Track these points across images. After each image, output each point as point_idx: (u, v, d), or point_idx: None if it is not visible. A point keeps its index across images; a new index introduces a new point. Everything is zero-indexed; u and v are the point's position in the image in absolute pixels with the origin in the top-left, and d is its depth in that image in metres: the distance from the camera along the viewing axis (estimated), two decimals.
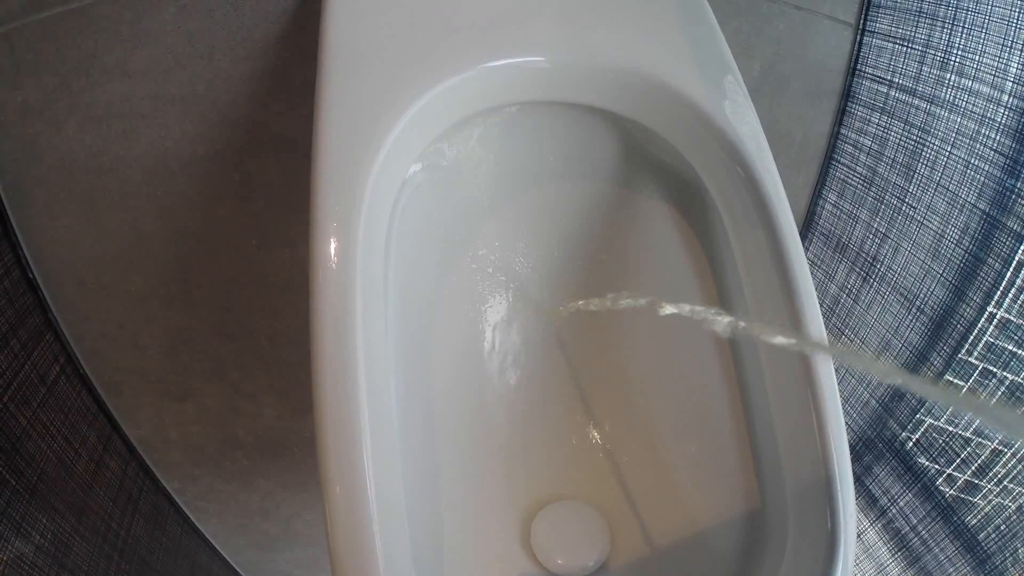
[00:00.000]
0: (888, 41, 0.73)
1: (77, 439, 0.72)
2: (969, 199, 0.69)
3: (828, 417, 0.50)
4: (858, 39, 0.74)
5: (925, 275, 0.74)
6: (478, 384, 0.63)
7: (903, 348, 0.77)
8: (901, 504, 0.80)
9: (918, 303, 0.75)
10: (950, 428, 0.74)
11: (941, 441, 0.75)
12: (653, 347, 0.64)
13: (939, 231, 0.72)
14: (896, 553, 0.82)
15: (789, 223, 0.55)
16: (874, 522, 0.84)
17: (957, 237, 0.71)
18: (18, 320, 0.66)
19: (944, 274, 0.72)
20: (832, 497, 0.49)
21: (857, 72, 0.76)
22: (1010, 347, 0.68)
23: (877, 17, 0.73)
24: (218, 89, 0.62)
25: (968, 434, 0.72)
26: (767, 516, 0.55)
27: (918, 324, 0.75)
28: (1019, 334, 0.66)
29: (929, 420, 0.75)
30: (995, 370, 0.70)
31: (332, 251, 0.44)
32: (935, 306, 0.73)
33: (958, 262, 0.71)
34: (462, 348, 0.62)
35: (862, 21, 0.73)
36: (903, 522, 0.81)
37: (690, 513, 0.60)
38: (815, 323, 0.52)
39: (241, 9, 0.59)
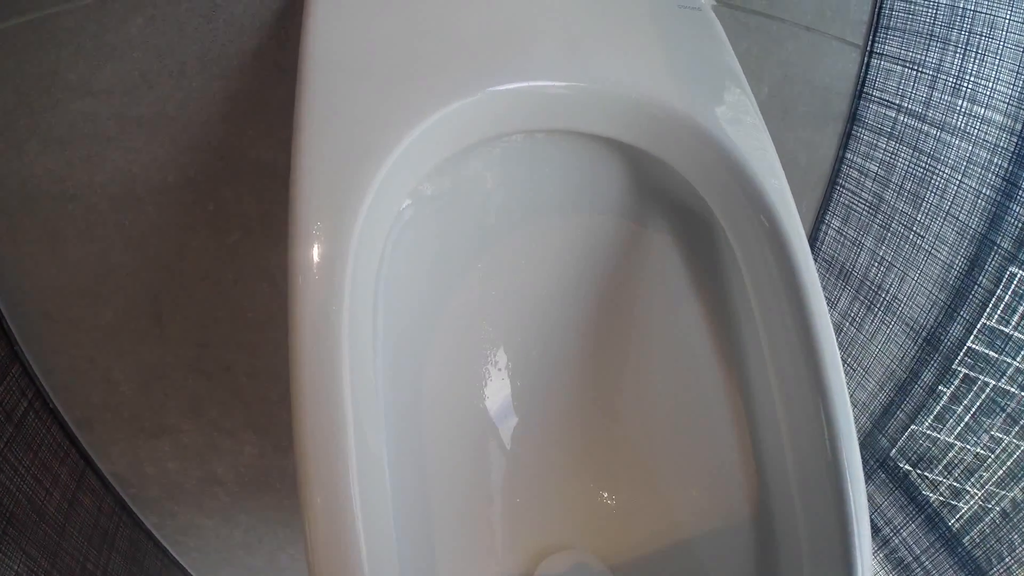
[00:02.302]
0: (897, 64, 0.65)
1: (48, 477, 0.63)
2: (980, 229, 0.62)
3: (846, 477, 0.43)
4: (865, 61, 0.67)
5: (932, 306, 0.67)
6: (477, 430, 0.55)
7: (908, 379, 0.70)
8: (904, 534, 0.73)
9: (924, 334, 0.68)
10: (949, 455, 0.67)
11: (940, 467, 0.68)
12: (656, 391, 0.57)
13: (948, 261, 0.65)
14: None
15: (808, 262, 0.48)
16: (876, 551, 0.76)
17: (967, 268, 0.64)
18: None
19: (952, 305, 0.65)
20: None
21: (864, 95, 0.68)
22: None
23: (886, 39, 0.65)
24: (190, 110, 0.52)
25: (970, 458, 0.66)
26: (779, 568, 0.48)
27: (924, 355, 0.68)
28: None
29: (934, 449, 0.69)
30: (1004, 402, 0.63)
31: (315, 307, 0.36)
32: (943, 337, 0.66)
33: (967, 293, 0.64)
34: (459, 393, 0.54)
35: (870, 43, 0.66)
36: (906, 552, 0.74)
37: (696, 562, 0.53)
38: (834, 367, 0.45)
39: (214, 23, 0.50)
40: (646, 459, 0.57)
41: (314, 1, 0.45)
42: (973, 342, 0.64)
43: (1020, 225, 0.59)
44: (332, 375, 0.35)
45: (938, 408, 0.68)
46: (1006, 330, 0.61)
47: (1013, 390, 0.62)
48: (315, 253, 0.37)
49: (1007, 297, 0.61)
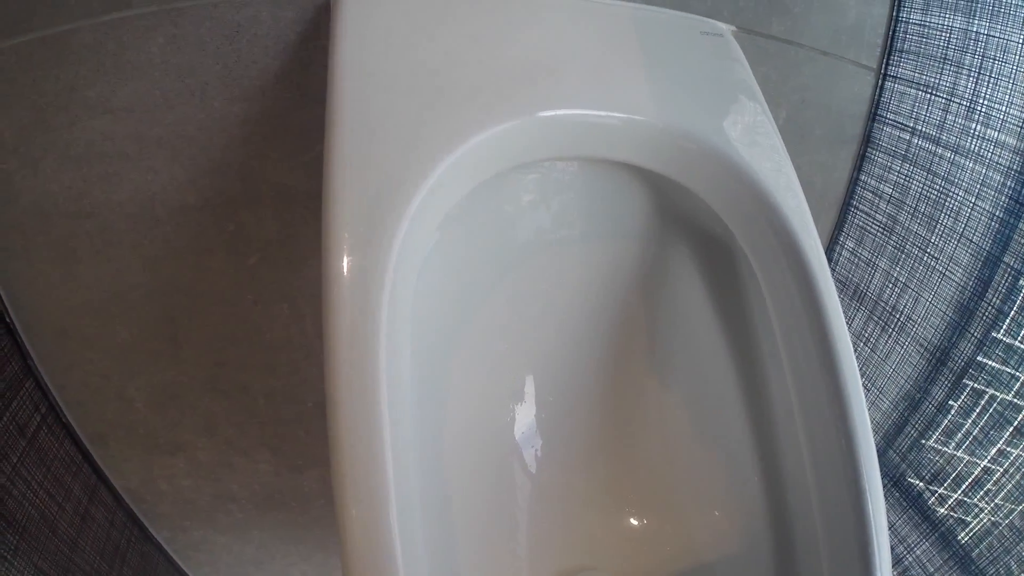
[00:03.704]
0: (911, 87, 0.64)
1: (61, 492, 0.61)
2: (994, 252, 0.61)
3: (868, 501, 0.42)
4: (880, 84, 0.66)
5: (946, 326, 0.65)
6: (501, 451, 0.53)
7: (921, 398, 0.68)
8: (918, 552, 0.71)
9: (939, 354, 0.66)
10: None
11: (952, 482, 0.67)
12: (677, 414, 0.55)
13: (962, 283, 0.64)
14: None
15: (829, 287, 0.47)
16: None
17: (980, 289, 0.62)
18: None
19: (964, 325, 0.63)
20: None
21: (878, 118, 0.67)
22: None
23: (900, 62, 0.64)
24: (211, 131, 0.50)
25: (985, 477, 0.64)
26: None
27: (940, 377, 0.66)
28: None
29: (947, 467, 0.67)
30: (1011, 415, 0.61)
31: (352, 324, 0.34)
32: (958, 359, 0.65)
33: (981, 315, 0.62)
34: (482, 413, 0.52)
35: (884, 66, 0.65)
36: (920, 570, 0.72)
37: None
38: (855, 391, 0.44)
39: (237, 43, 0.48)
40: (668, 481, 0.55)
41: (341, 27, 0.43)
42: (984, 357, 0.62)
43: None
44: (370, 390, 0.34)
45: (946, 423, 0.67)
46: (1014, 343, 0.59)
47: (1021, 403, 0.61)
48: (352, 267, 0.35)
49: (1011, 311, 0.59)
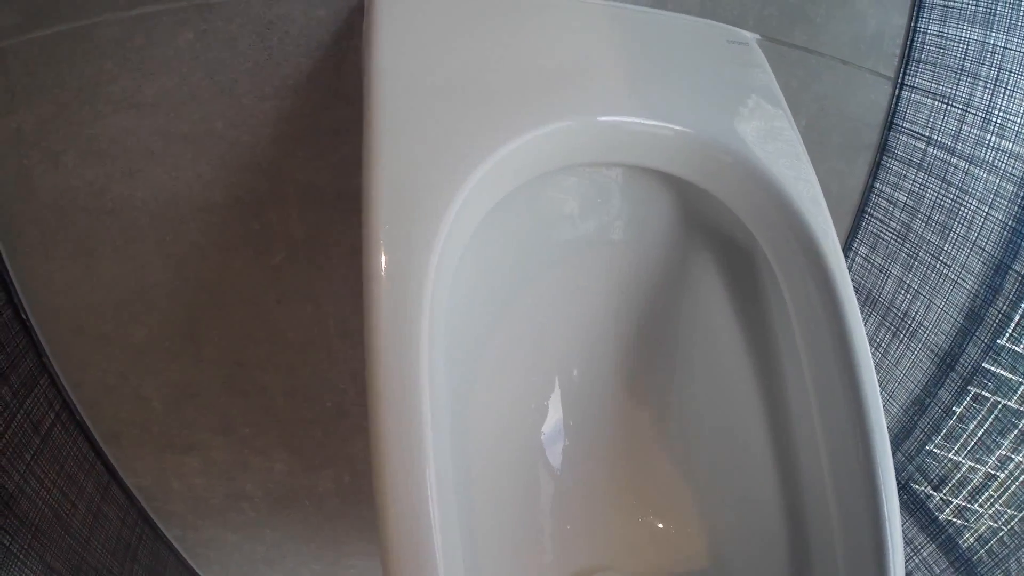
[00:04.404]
0: (927, 97, 0.64)
1: (74, 490, 0.59)
2: (1006, 261, 0.61)
3: (883, 504, 0.42)
4: (896, 93, 0.66)
5: (957, 333, 0.66)
6: (526, 452, 0.52)
7: (931, 404, 0.68)
8: (924, 554, 0.72)
9: (950, 360, 0.66)
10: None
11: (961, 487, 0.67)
12: (699, 417, 0.55)
13: (973, 291, 0.64)
14: None
15: (849, 293, 0.47)
16: None
17: (991, 297, 0.62)
18: (9, 364, 0.53)
19: (977, 334, 0.64)
20: None
21: (894, 126, 0.67)
22: None
23: (917, 72, 0.64)
24: (239, 129, 0.49)
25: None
26: None
27: (949, 382, 0.67)
28: None
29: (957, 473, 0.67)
30: (1015, 421, 0.62)
31: (393, 321, 0.34)
32: (967, 364, 0.65)
33: (991, 323, 0.62)
34: (508, 414, 0.51)
35: (901, 75, 0.65)
36: (926, 572, 0.72)
37: None
38: (872, 395, 0.44)
39: (268, 40, 0.47)
40: (687, 482, 0.55)
41: (377, 28, 0.42)
42: (990, 364, 0.62)
43: None
44: (412, 391, 0.34)
45: (950, 428, 0.67)
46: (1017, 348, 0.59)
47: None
48: (393, 267, 0.35)
49: (1019, 319, 0.60)
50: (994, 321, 0.62)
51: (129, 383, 0.59)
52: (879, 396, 0.45)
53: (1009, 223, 0.61)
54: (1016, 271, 0.61)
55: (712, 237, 0.53)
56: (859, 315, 0.46)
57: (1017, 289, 0.60)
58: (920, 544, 0.71)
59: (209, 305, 0.55)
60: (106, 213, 0.51)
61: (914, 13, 0.62)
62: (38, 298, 0.55)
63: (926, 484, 0.70)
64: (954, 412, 0.66)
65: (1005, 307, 0.61)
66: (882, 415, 0.44)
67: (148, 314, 0.55)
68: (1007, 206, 0.60)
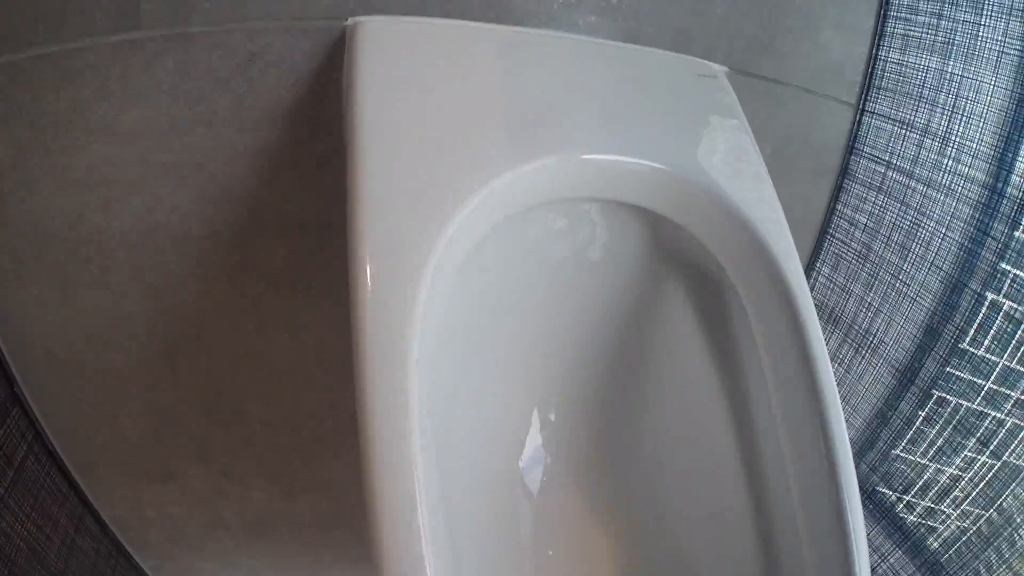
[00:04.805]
0: (888, 123, 0.66)
1: (48, 523, 0.58)
2: (962, 279, 0.64)
3: (848, 521, 0.43)
4: (858, 118, 0.68)
5: (917, 348, 0.68)
6: (505, 481, 0.53)
7: (893, 416, 0.71)
8: (891, 561, 0.74)
9: (910, 375, 0.69)
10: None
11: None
12: (672, 439, 0.56)
13: (931, 308, 0.66)
14: None
15: (812, 319, 0.48)
16: None
17: (948, 314, 0.65)
18: None
19: (935, 349, 0.66)
20: None
21: (855, 151, 0.69)
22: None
23: (878, 99, 0.66)
24: (219, 160, 0.48)
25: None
26: None
27: (911, 396, 0.69)
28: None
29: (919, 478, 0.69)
30: (977, 422, 0.64)
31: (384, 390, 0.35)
32: (926, 378, 0.67)
33: (948, 338, 0.65)
34: (488, 445, 0.52)
35: (863, 102, 0.67)
36: None
37: None
38: (835, 411, 0.46)
39: (249, 72, 0.46)
40: (662, 501, 0.56)
41: (359, 66, 0.43)
42: (952, 369, 0.65)
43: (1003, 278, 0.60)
44: (401, 422, 0.34)
45: (912, 434, 0.69)
46: (978, 352, 0.62)
47: (986, 410, 0.63)
48: (381, 304, 0.36)
49: (986, 340, 0.62)
50: (951, 336, 0.64)
51: (104, 413, 0.58)
52: (842, 414, 0.46)
53: (965, 244, 0.63)
54: (972, 289, 0.63)
55: (683, 266, 0.55)
56: (822, 340, 0.48)
57: (972, 306, 0.63)
58: (887, 551, 0.73)
59: (187, 334, 0.55)
60: (82, 242, 0.50)
61: (875, 42, 0.65)
62: (10, 326, 0.53)
63: (893, 490, 0.72)
64: (919, 416, 0.68)
65: (962, 323, 0.64)
66: (844, 432, 0.45)
67: (125, 343, 0.54)
68: (963, 227, 0.63)
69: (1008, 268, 0.59)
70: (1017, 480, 0.62)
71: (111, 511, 0.63)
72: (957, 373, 0.64)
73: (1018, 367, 0.60)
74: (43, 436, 0.58)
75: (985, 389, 0.62)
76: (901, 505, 0.71)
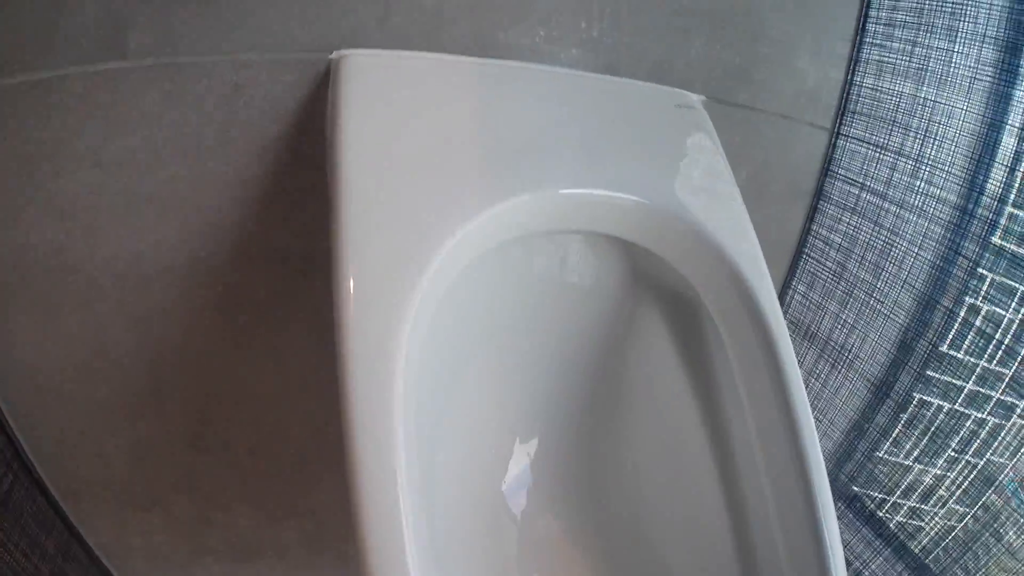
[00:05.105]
0: (862, 146, 0.68)
1: (36, 552, 0.57)
2: (935, 297, 0.65)
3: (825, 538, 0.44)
4: (833, 142, 0.69)
5: (891, 363, 0.69)
6: (490, 506, 0.53)
7: (870, 429, 0.72)
8: (873, 567, 0.75)
9: (884, 389, 0.70)
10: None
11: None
12: (651, 457, 0.57)
13: (905, 324, 0.68)
14: None
15: (785, 341, 0.49)
16: None
17: (921, 330, 0.66)
18: None
19: (911, 364, 0.67)
20: None
21: (830, 173, 0.70)
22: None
23: (853, 123, 0.68)
24: (204, 191, 0.48)
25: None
26: None
27: (887, 409, 0.70)
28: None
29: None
30: (958, 424, 0.65)
31: (370, 394, 0.35)
32: (901, 392, 0.69)
33: (921, 353, 0.66)
34: (472, 471, 0.52)
35: (838, 125, 0.68)
36: None
37: None
38: (810, 436, 0.47)
39: (234, 104, 0.46)
40: (645, 525, 0.56)
41: (343, 102, 0.43)
42: (932, 371, 0.66)
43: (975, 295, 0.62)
44: (388, 451, 0.35)
45: (891, 442, 0.70)
46: (958, 355, 0.63)
47: (967, 411, 0.64)
48: (366, 339, 0.36)
49: (959, 354, 0.64)
50: (924, 351, 0.66)
51: (89, 441, 0.57)
52: (815, 431, 0.47)
53: (937, 262, 0.65)
54: (944, 306, 0.65)
55: (660, 290, 0.56)
56: (795, 361, 0.49)
57: (944, 323, 0.64)
58: (869, 557, 0.74)
59: (172, 364, 0.54)
60: (67, 271, 0.50)
61: (851, 68, 0.66)
62: None
63: (870, 500, 0.73)
64: (901, 419, 0.69)
65: (935, 338, 0.65)
66: (818, 449, 0.47)
67: (109, 372, 0.54)
68: (935, 247, 0.64)
69: (985, 272, 0.61)
70: (999, 478, 0.63)
71: (98, 539, 0.63)
72: (937, 376, 0.65)
73: (998, 368, 0.61)
74: (29, 465, 0.57)
75: (966, 391, 0.63)
76: (886, 508, 0.72)
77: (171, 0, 0.44)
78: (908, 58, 0.63)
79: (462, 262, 0.42)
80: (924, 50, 0.62)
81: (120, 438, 0.57)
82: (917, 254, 0.66)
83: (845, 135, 0.68)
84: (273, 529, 0.66)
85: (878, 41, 0.64)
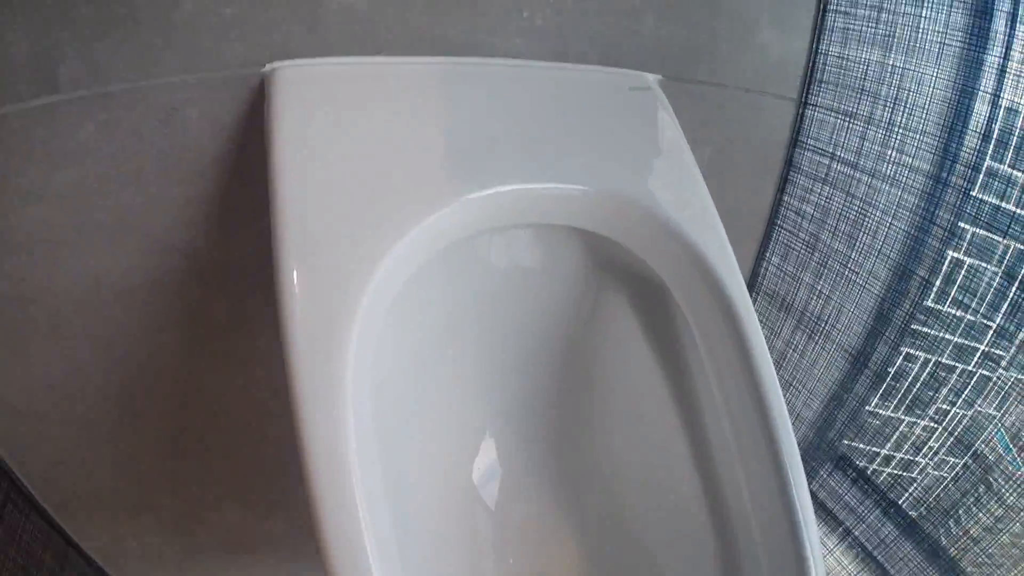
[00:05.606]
0: (830, 115, 0.66)
1: (34, 564, 0.59)
2: (910, 267, 0.64)
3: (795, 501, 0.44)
4: (800, 112, 0.67)
5: (868, 333, 0.69)
6: (463, 496, 0.54)
7: (851, 400, 0.72)
8: (865, 524, 0.75)
9: (862, 359, 0.69)
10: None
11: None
12: (622, 439, 0.57)
13: (881, 295, 0.67)
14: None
15: (751, 318, 0.48)
16: (839, 542, 0.78)
17: (898, 300, 0.65)
18: None
19: (887, 334, 0.67)
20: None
21: (799, 144, 0.68)
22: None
23: (820, 92, 0.65)
24: (151, 215, 0.48)
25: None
26: None
27: (864, 378, 0.70)
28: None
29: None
30: (940, 426, 0.65)
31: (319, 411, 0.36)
32: (879, 362, 0.68)
33: (899, 323, 0.65)
34: (442, 461, 0.53)
35: (804, 95, 0.66)
36: (872, 536, 0.75)
37: None
38: (780, 414, 0.46)
39: (171, 127, 0.45)
40: (619, 504, 0.57)
41: (278, 115, 0.42)
42: (914, 324, 0.65)
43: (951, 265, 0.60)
44: (341, 456, 0.36)
45: (883, 389, 0.69)
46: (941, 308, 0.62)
47: (953, 363, 0.63)
48: (313, 345, 0.37)
49: (932, 323, 0.62)
50: (900, 321, 0.65)
51: (74, 457, 0.58)
52: (785, 411, 0.47)
53: (911, 232, 0.63)
54: (920, 276, 0.63)
55: (624, 274, 0.55)
56: (764, 343, 0.48)
57: (920, 293, 0.63)
58: (862, 513, 0.74)
59: (142, 380, 0.55)
60: (28, 301, 0.50)
61: (815, 37, 0.63)
62: None
63: (866, 445, 0.72)
64: (888, 372, 0.68)
65: (911, 308, 0.64)
66: (789, 426, 0.46)
67: (84, 390, 0.55)
68: (909, 216, 0.63)
69: (966, 227, 0.59)
70: (988, 427, 0.62)
71: (93, 544, 0.65)
72: (924, 330, 0.64)
73: (983, 321, 0.59)
74: (19, 484, 0.59)
75: (953, 343, 0.62)
76: (876, 462, 0.72)
77: (97, 30, 0.43)
78: (874, 24, 0.60)
79: (413, 263, 0.42)
80: (891, 16, 0.59)
81: (103, 451, 0.58)
82: (891, 224, 0.64)
83: (813, 104, 0.66)
84: (261, 523, 0.68)
85: (842, 8, 0.61)
